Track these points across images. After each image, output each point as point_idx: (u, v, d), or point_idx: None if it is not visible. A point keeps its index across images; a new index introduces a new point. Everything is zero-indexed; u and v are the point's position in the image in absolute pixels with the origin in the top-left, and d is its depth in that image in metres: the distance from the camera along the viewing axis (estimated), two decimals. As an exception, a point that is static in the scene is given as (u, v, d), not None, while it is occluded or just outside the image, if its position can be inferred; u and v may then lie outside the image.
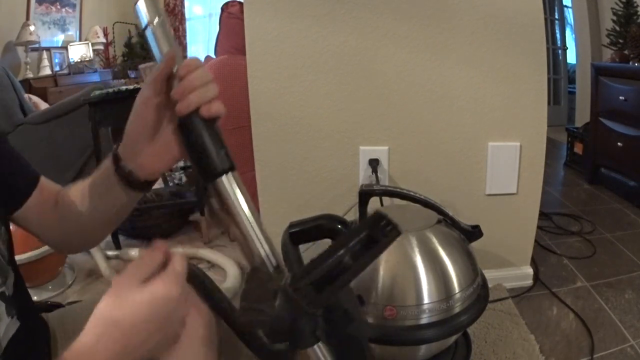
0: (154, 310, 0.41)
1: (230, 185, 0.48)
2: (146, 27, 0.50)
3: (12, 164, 0.62)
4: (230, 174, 0.48)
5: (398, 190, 1.20)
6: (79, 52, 4.57)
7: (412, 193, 1.16)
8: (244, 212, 0.48)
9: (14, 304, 0.57)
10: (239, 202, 0.48)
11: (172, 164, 0.56)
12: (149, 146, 0.54)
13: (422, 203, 1.16)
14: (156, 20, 0.50)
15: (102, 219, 0.65)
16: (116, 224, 0.67)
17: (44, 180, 0.65)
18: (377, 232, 0.41)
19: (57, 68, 4.42)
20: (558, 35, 4.64)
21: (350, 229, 0.44)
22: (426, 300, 0.99)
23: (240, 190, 0.48)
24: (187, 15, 5.04)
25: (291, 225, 1.10)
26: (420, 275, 1.00)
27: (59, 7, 4.49)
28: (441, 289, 1.00)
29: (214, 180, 0.48)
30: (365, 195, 1.18)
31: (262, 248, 0.48)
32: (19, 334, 0.57)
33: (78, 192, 0.64)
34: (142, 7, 0.50)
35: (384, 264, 1.01)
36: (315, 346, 0.44)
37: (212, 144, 0.47)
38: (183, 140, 0.49)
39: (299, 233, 1.10)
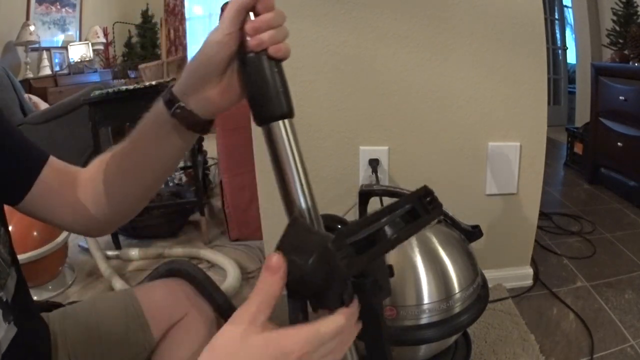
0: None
1: (285, 131, 0.46)
2: None
3: (11, 147, 0.58)
4: (287, 120, 0.46)
5: (398, 190, 1.20)
6: (79, 52, 4.57)
7: (412, 193, 1.16)
8: (294, 161, 0.46)
9: (12, 309, 0.56)
10: (291, 150, 0.46)
11: (235, 102, 0.52)
12: (218, 81, 0.50)
13: (422, 203, 1.15)
14: None
15: (150, 177, 0.59)
16: (163, 180, 0.63)
17: (54, 162, 0.61)
18: (420, 207, 0.41)
19: (57, 68, 4.42)
20: (558, 35, 4.64)
21: (400, 200, 0.43)
22: (426, 300, 0.99)
23: (295, 140, 0.46)
24: (187, 15, 5.05)
25: (291, 225, 1.10)
26: (420, 275, 1.00)
27: (59, 7, 4.49)
28: (441, 289, 1.01)
29: (268, 124, 0.46)
30: (365, 195, 1.18)
31: (304, 202, 0.46)
32: (18, 338, 0.56)
33: (115, 158, 0.59)
34: None
35: (384, 264, 1.01)
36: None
37: (274, 86, 0.46)
38: (244, 78, 0.48)
39: (299, 233, 1.10)
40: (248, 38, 0.46)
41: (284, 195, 0.47)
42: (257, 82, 0.46)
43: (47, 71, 4.28)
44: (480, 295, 1.08)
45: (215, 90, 0.51)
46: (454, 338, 1.12)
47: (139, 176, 0.59)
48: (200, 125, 0.53)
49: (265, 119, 0.46)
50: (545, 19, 2.85)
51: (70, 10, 4.64)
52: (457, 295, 1.02)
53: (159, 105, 0.53)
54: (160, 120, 0.53)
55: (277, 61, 0.47)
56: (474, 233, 1.16)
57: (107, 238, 2.05)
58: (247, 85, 0.47)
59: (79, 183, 0.62)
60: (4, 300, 0.55)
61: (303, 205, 0.46)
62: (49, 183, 0.59)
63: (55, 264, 1.70)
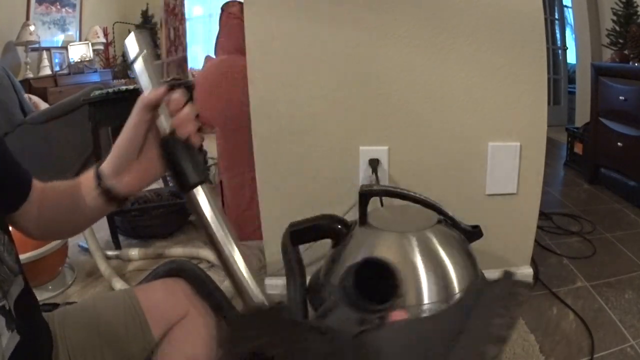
0: None
1: (199, 196, 0.56)
2: (135, 59, 0.58)
3: (7, 167, 0.61)
4: (200, 187, 0.56)
5: (398, 190, 1.20)
6: (79, 52, 4.57)
7: (412, 193, 1.16)
8: (208, 218, 0.56)
9: (14, 317, 0.56)
10: (206, 211, 0.56)
11: (153, 181, 0.63)
12: (136, 163, 0.60)
13: (422, 203, 1.16)
14: (144, 53, 0.58)
15: (77, 220, 0.67)
16: (90, 224, 0.71)
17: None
18: None
19: (57, 68, 4.42)
20: (558, 35, 4.64)
21: None
22: (426, 300, 0.99)
23: (208, 201, 0.56)
24: (187, 15, 5.04)
25: (291, 225, 1.10)
26: (420, 275, 1.00)
27: (59, 7, 4.49)
28: (441, 289, 1.01)
29: (188, 192, 0.56)
30: (365, 195, 1.18)
31: (228, 250, 0.54)
32: (21, 344, 0.56)
33: (60, 192, 0.66)
34: (131, 42, 0.59)
35: (384, 264, 1.01)
36: None
37: (188, 162, 0.56)
38: (166, 158, 0.57)
39: (299, 233, 1.10)
40: (173, 128, 0.56)
41: (212, 246, 0.56)
42: (176, 161, 0.56)
43: (47, 71, 4.28)
44: (480, 295, 1.08)
45: (134, 172, 0.61)
46: (454, 338, 1.12)
47: (73, 215, 0.65)
48: (118, 201, 0.62)
49: (185, 189, 0.56)
50: (545, 19, 2.84)
51: (70, 10, 4.64)
52: (457, 296, 1.02)
53: (89, 176, 0.62)
54: (89, 188, 0.62)
55: (193, 144, 0.57)
56: (474, 233, 1.16)
57: (107, 238, 2.05)
58: (168, 164, 0.57)
59: (40, 200, 0.66)
60: (7, 308, 0.55)
61: (227, 252, 0.55)
62: (29, 203, 0.63)
63: (55, 264, 1.70)
